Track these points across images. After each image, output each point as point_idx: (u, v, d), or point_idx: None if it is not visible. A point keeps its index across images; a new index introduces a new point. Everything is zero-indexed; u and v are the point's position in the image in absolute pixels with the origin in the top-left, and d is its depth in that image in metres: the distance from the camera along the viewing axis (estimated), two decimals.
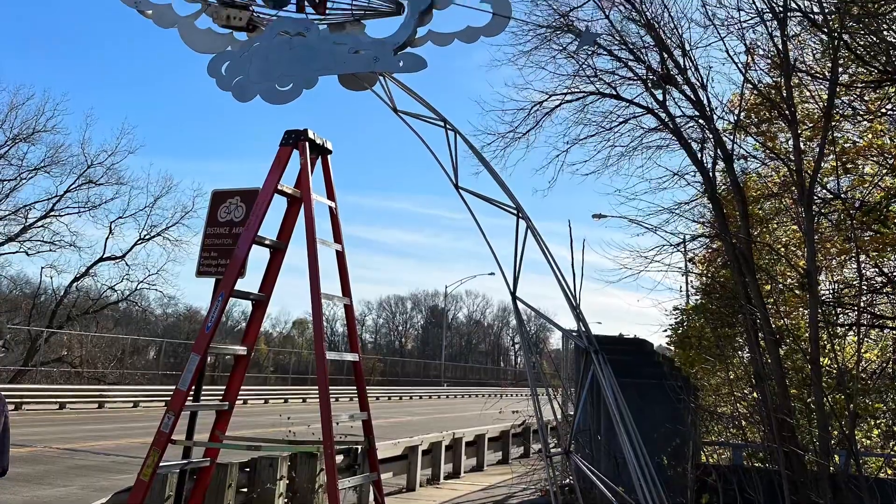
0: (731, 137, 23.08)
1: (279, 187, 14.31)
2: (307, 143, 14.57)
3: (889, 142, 22.14)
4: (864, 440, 21.24)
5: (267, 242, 14.60)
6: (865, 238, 21.75)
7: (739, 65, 22.22)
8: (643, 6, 24.23)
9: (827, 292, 23.07)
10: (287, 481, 19.10)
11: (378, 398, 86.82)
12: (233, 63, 14.43)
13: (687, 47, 23.79)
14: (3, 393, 9.18)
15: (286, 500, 18.94)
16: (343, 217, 15.51)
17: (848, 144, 22.84)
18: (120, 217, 70.77)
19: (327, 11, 14.57)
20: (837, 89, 19.91)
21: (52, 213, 66.43)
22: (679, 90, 23.65)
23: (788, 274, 24.88)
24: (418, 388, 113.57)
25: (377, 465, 14.93)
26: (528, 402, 16.44)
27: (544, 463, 13.71)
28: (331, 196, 15.18)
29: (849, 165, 22.64)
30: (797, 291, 23.04)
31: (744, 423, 21.65)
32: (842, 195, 22.26)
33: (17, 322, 69.04)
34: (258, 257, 15.11)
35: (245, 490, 18.47)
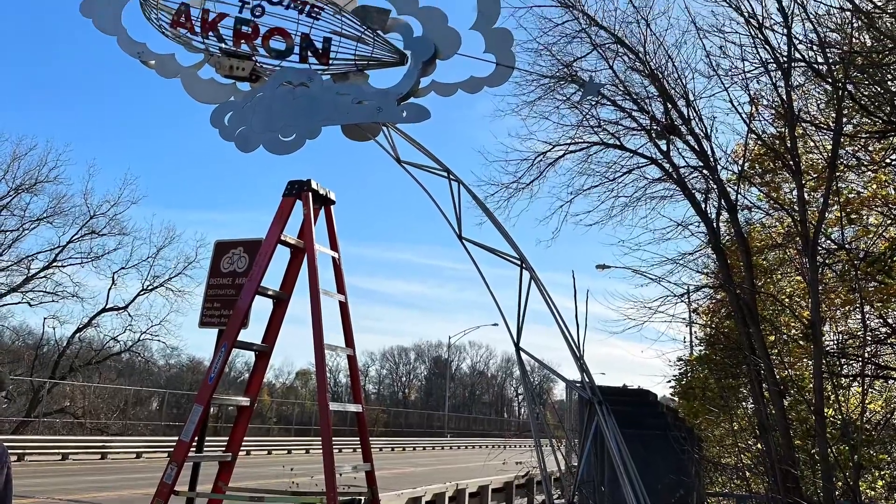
0: (735, 188, 23.07)
1: (282, 238, 14.27)
2: (310, 194, 14.53)
3: (893, 192, 22.11)
4: (868, 491, 21.09)
5: (270, 293, 14.55)
6: (870, 288, 21.68)
7: (743, 115, 22.23)
8: (647, 56, 24.30)
9: (831, 343, 23.01)
10: None
11: (381, 449, 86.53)
12: (236, 113, 14.45)
13: (691, 97, 23.84)
14: (5, 444, 9.09)
15: None
16: (346, 267, 15.47)
17: (852, 195, 22.81)
18: (123, 268, 70.64)
19: (330, 62, 14.57)
20: (842, 140, 19.90)
21: (55, 264, 66.35)
22: (683, 140, 23.69)
23: (793, 325, 24.82)
24: (422, 439, 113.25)
25: None
26: (532, 452, 16.33)
27: None
28: (334, 246, 15.14)
29: (853, 216, 22.59)
30: (801, 342, 23.00)
31: (748, 474, 21.52)
32: (846, 246, 22.22)
33: (19, 373, 68.80)
34: (261, 308, 15.05)
35: None
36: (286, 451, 72.42)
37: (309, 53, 14.53)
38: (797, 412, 21.45)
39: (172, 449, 13.51)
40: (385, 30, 14.69)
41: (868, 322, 21.49)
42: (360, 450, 14.85)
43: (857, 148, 21.63)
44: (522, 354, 13.81)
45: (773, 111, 22.26)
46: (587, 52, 25.85)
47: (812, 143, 22.27)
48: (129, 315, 72.06)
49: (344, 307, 15.04)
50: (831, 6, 19.02)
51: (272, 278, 14.61)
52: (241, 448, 14.84)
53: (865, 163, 21.93)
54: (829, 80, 19.37)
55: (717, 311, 31.16)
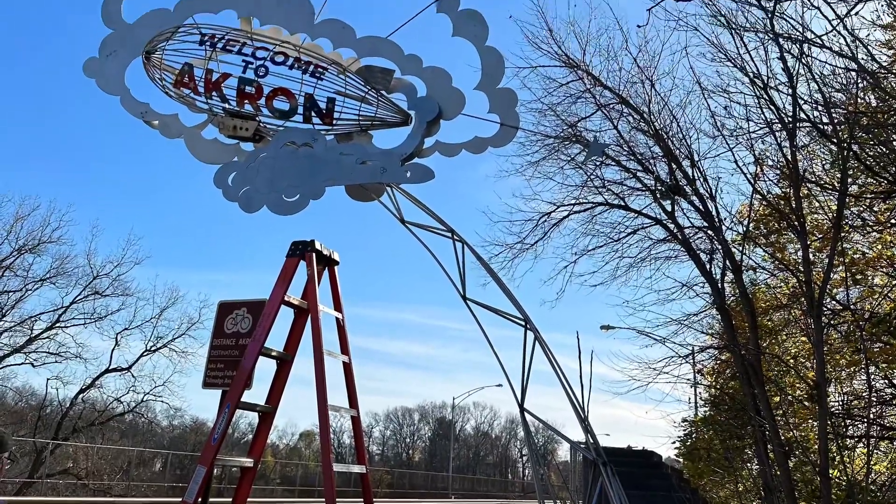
0: (740, 248, 23.05)
1: (286, 298, 14.24)
2: (314, 255, 14.53)
3: None
4: None
5: (274, 354, 14.51)
6: (875, 349, 21.60)
7: (748, 175, 22.26)
8: (651, 116, 24.35)
9: (836, 404, 22.89)
10: None
11: None
12: (239, 174, 14.45)
13: (695, 158, 23.89)
14: None
15: None
16: (350, 328, 15.44)
17: (857, 255, 22.77)
18: (126, 328, 70.29)
19: (334, 122, 14.59)
20: (847, 200, 19.88)
21: (58, 325, 66.10)
22: (688, 201, 23.70)
23: (798, 385, 24.71)
24: (426, 501, 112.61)
25: None
26: None
27: None
28: (338, 307, 15.12)
29: (858, 276, 22.56)
30: (806, 403, 22.88)
31: None
32: (851, 306, 22.16)
33: (22, 434, 68.49)
34: (265, 368, 15.00)
35: None
36: None
37: (313, 113, 14.57)
38: (802, 473, 21.31)
39: None
40: (389, 90, 14.71)
41: (873, 383, 21.40)
42: None
43: (862, 208, 21.60)
44: (527, 415, 13.74)
45: (778, 171, 22.28)
46: (592, 112, 25.97)
47: (817, 204, 22.27)
48: (133, 376, 71.77)
49: (348, 368, 14.99)
50: (836, 66, 19.05)
51: (276, 339, 14.59)
52: None
53: (871, 223, 21.90)
54: (834, 141, 19.38)
55: (721, 371, 31.03)
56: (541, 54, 26.15)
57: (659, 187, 24.18)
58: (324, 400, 13.17)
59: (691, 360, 29.67)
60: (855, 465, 20.36)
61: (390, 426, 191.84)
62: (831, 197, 21.11)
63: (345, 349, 14.97)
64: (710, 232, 23.42)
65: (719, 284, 23.30)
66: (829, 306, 21.71)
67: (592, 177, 26.16)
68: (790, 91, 20.11)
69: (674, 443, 31.96)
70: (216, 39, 15.13)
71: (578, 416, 13.62)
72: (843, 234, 20.65)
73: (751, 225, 23.54)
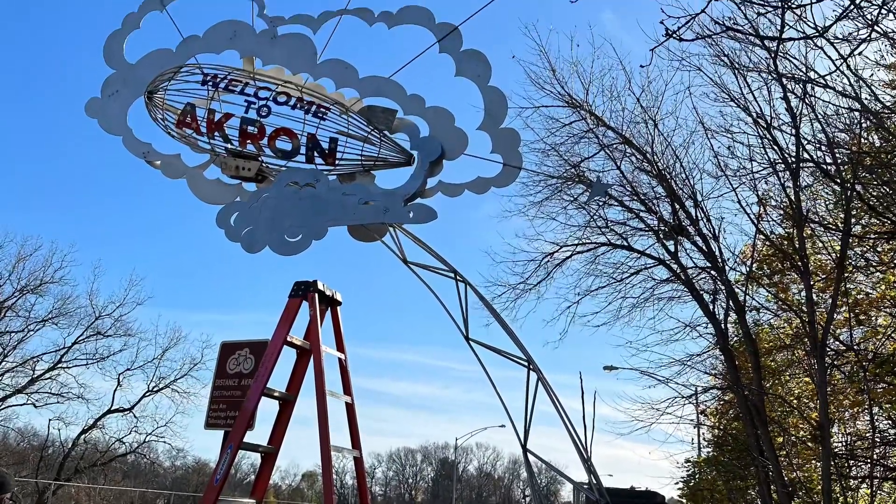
0: (744, 289, 23.05)
1: (288, 339, 14.19)
2: (316, 295, 14.48)
3: None
4: None
5: (276, 394, 14.44)
6: (878, 390, 21.59)
7: (752, 216, 22.29)
8: (655, 157, 24.39)
9: (840, 445, 22.86)
10: None
11: None
12: (242, 214, 14.41)
13: (699, 198, 23.91)
14: None
15: None
16: (353, 368, 15.39)
17: (861, 296, 22.76)
18: (128, 369, 69.97)
19: (337, 162, 14.56)
20: (850, 240, 19.88)
21: (60, 365, 65.80)
22: (691, 241, 23.70)
23: (801, 426, 24.67)
24: None
25: None
26: None
27: None
28: (340, 347, 15.07)
29: (862, 317, 22.54)
30: (810, 444, 22.86)
31: None
32: (854, 347, 22.13)
33: (24, 475, 68.24)
34: (267, 409, 14.92)
35: None
36: None
37: (315, 154, 14.54)
38: None
39: None
40: (392, 130, 14.71)
41: (877, 423, 21.37)
42: None
43: (865, 248, 21.61)
44: (530, 456, 13.69)
45: (782, 211, 22.30)
46: (595, 152, 26.02)
47: (820, 244, 22.28)
48: (135, 416, 71.51)
49: (350, 408, 14.92)
50: (840, 106, 19.08)
51: (278, 379, 14.51)
52: None
53: (874, 263, 21.91)
54: (838, 181, 19.39)
55: (725, 412, 31.01)
56: (544, 94, 26.25)
57: (662, 227, 24.20)
58: (326, 440, 13.10)
59: (694, 401, 29.63)
60: None
61: (393, 467, 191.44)
62: (835, 237, 21.12)
63: (347, 390, 14.91)
64: (713, 272, 23.44)
65: (722, 325, 23.27)
66: (832, 346, 21.71)
67: (595, 217, 26.17)
68: (793, 131, 20.16)
69: (677, 483, 31.96)
70: (218, 79, 15.14)
71: (581, 457, 13.57)
72: (846, 275, 20.67)
73: (754, 265, 23.58)
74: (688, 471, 31.38)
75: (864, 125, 18.77)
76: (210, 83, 15.06)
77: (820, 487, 19.48)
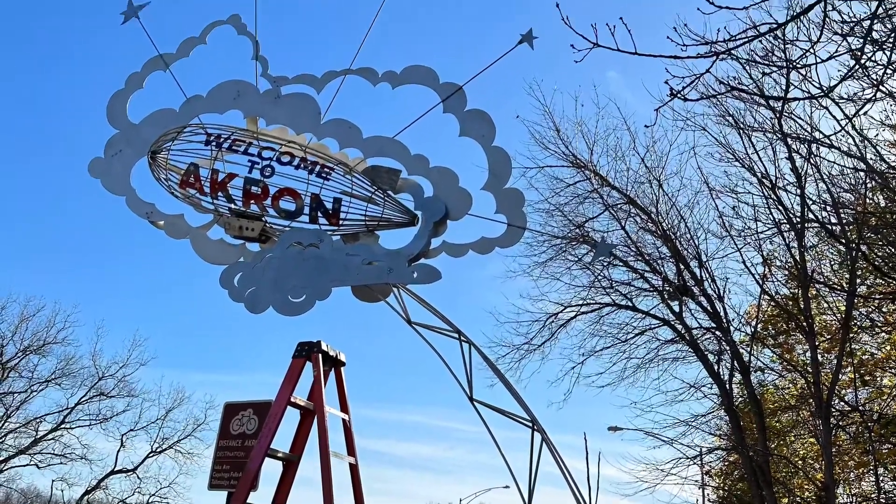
0: (748, 349, 22.97)
1: (292, 399, 14.10)
2: (320, 356, 14.39)
3: None
4: None
5: (280, 455, 14.33)
6: (884, 451, 21.50)
7: (756, 276, 22.25)
8: (659, 217, 24.37)
9: None
10: None
11: None
12: (245, 274, 14.35)
13: (703, 258, 23.88)
14: None
15: None
16: (356, 429, 15.28)
17: (866, 356, 22.70)
18: (131, 429, 69.57)
19: (340, 222, 14.50)
20: (855, 301, 19.84)
21: (63, 426, 65.47)
22: (696, 302, 23.64)
23: (806, 487, 24.55)
24: None
25: None
26: None
27: None
28: (344, 408, 14.97)
29: (867, 377, 22.46)
30: None
31: None
32: (860, 407, 22.05)
33: None
34: (271, 470, 14.81)
35: None
36: None
37: (319, 214, 14.49)
38: None
39: None
40: (396, 190, 14.66)
41: (882, 484, 21.26)
42: None
43: (871, 309, 21.55)
44: None
45: (787, 272, 22.27)
46: (599, 212, 25.99)
47: (825, 305, 22.24)
48: (138, 477, 71.08)
49: (354, 469, 14.81)
50: (845, 166, 19.08)
51: (282, 440, 14.42)
52: None
53: (879, 324, 21.85)
54: (843, 241, 19.36)
55: (729, 473, 30.85)
56: (548, 154, 26.30)
57: (667, 288, 24.16)
58: (330, 502, 12.99)
59: (699, 462, 29.47)
60: None
61: None
62: (840, 298, 21.07)
63: (351, 451, 14.80)
64: (717, 333, 23.38)
65: (727, 385, 23.19)
66: (837, 408, 21.65)
67: (600, 277, 26.15)
68: (798, 191, 20.17)
69: None
70: (222, 139, 15.13)
71: None
72: (851, 336, 20.61)
73: (759, 326, 23.51)
74: None
75: (869, 185, 18.77)
76: (213, 143, 15.05)
77: None
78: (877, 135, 19.23)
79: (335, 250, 14.29)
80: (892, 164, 18.45)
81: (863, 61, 13.34)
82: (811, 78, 17.47)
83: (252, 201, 14.61)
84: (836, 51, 13.85)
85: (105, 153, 15.63)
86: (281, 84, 15.30)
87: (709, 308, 23.16)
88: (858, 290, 20.11)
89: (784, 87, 18.52)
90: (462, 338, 14.23)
